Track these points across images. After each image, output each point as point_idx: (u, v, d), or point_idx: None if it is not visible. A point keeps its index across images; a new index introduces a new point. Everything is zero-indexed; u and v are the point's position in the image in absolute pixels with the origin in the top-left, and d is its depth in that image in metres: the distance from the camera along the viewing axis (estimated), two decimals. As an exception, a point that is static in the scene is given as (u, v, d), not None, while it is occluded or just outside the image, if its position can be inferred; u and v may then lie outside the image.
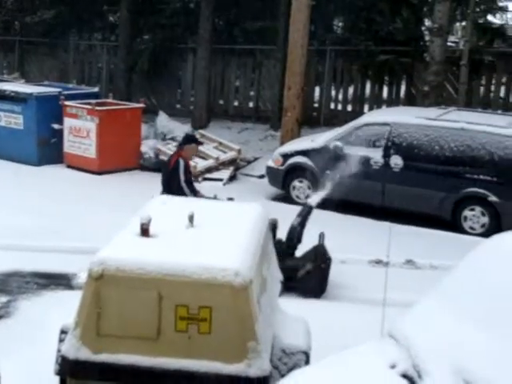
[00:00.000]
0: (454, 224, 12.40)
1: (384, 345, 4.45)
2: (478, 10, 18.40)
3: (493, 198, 12.13)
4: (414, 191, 12.62)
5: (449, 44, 18.18)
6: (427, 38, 18.16)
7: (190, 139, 10.22)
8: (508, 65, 17.77)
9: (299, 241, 9.50)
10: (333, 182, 9.83)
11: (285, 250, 9.39)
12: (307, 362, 5.66)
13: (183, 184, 9.55)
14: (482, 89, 18.50)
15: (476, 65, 17.40)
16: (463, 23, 19.28)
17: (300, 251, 9.56)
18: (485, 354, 3.85)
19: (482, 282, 4.31)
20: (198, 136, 16.88)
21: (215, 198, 9.51)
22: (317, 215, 11.01)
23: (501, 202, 12.06)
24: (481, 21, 19.04)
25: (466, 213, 12.40)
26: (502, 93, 18.22)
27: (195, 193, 9.75)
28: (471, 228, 12.31)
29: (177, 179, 9.55)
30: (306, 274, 9.16)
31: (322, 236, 9.54)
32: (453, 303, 4.35)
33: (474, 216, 12.36)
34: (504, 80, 18.20)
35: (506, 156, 12.15)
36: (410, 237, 11.35)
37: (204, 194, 9.90)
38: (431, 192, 12.52)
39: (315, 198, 9.70)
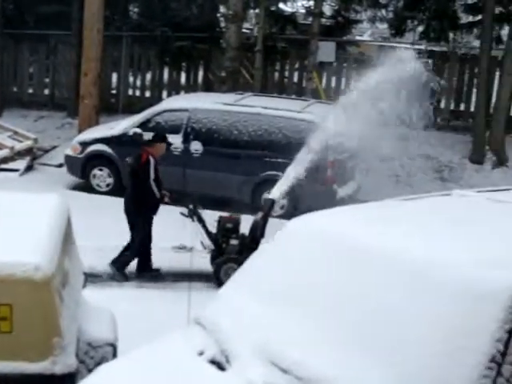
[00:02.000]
0: (254, 207, 12.67)
1: (191, 332, 4.45)
2: (270, -3, 18.86)
3: (290, 181, 12.49)
4: (214, 176, 12.77)
5: (244, 31, 18.52)
6: (223, 24, 18.39)
7: (161, 138, 10.13)
8: (300, 51, 18.36)
9: (262, 235, 9.40)
10: (295, 174, 9.76)
11: (248, 244, 9.29)
12: (115, 354, 5.57)
13: (152, 182, 9.52)
14: (276, 74, 19.00)
15: (270, 51, 17.85)
16: (257, 10, 19.66)
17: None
18: (290, 335, 3.95)
19: (286, 264, 4.42)
20: None
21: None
22: (115, 203, 10.93)
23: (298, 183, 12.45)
24: (273, 8, 19.53)
25: (265, 195, 12.69)
26: (296, 78, 18.81)
27: (161, 191, 9.72)
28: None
29: (146, 177, 9.49)
30: None
31: None
32: (257, 286, 4.43)
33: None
34: (297, 66, 18.80)
35: (301, 140, 12.54)
36: (212, 221, 11.46)
37: (167, 193, 9.84)
38: (231, 176, 12.73)
39: (277, 191, 9.60)
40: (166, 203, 9.81)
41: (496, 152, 15.82)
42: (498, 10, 17.02)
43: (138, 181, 9.65)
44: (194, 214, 9.58)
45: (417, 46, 18.05)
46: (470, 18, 18.79)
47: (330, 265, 4.17)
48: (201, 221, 9.60)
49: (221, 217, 9.81)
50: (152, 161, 9.63)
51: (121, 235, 10.29)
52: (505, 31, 17.67)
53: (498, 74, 16.70)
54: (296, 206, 12.30)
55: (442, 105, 17.80)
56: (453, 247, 3.96)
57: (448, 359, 3.43)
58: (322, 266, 4.20)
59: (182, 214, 9.58)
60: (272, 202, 9.68)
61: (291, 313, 4.08)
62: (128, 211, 9.70)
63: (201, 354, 4.13)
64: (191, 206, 9.62)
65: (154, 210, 9.74)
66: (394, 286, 3.82)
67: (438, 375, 3.42)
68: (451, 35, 19.64)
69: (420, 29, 18.68)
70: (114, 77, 19.58)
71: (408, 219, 4.60)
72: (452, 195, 5.38)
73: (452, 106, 17.96)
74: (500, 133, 15.89)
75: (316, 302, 4.06)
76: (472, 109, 17.25)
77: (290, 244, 4.54)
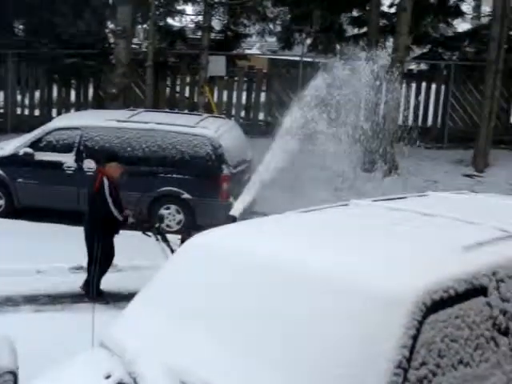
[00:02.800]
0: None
1: (96, 355, 4.36)
2: (158, 12, 18.79)
3: (186, 196, 12.46)
4: (109, 194, 12.57)
5: (133, 46, 18.41)
6: (112, 40, 18.22)
7: (112, 157, 9.81)
8: (191, 66, 18.38)
9: None
10: (254, 191, 9.51)
11: None
12: (15, 382, 5.40)
13: (111, 206, 9.14)
14: (167, 90, 18.95)
15: (161, 66, 17.80)
16: (145, 26, 19.57)
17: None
18: (198, 352, 3.93)
19: (190, 281, 4.40)
20: None
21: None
22: (6, 225, 10.62)
23: (194, 198, 12.44)
24: (161, 23, 19.48)
25: (162, 211, 12.63)
26: (187, 93, 18.81)
27: (122, 212, 9.32)
28: (168, 226, 12.56)
29: (104, 201, 9.11)
30: None
31: None
32: (163, 304, 4.38)
33: (170, 214, 12.63)
34: (188, 80, 18.81)
35: (196, 154, 12.55)
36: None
37: (129, 213, 9.44)
38: (126, 193, 12.53)
39: (238, 208, 9.35)
40: (132, 223, 9.46)
41: (386, 160, 16.23)
42: (382, 22, 17.53)
43: (95, 205, 9.29)
44: (159, 234, 9.34)
45: (305, 59, 18.40)
46: (356, 31, 19.28)
47: (234, 280, 4.17)
48: (165, 240, 9.38)
49: (183, 236, 9.62)
50: (106, 182, 9.24)
51: (14, 257, 10.03)
52: (389, 43, 18.19)
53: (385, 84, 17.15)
54: (192, 222, 12.32)
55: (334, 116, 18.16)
56: (356, 256, 4.02)
57: (356, 368, 3.47)
58: (226, 281, 4.20)
59: (145, 233, 9.33)
60: (233, 219, 9.59)
61: (198, 330, 4.06)
62: (88, 236, 9.31)
63: (107, 377, 4.05)
64: (157, 226, 9.43)
65: (116, 231, 9.48)
66: (300, 298, 3.85)
67: (347, 384, 3.46)
68: (338, 47, 20.11)
69: (308, 41, 18.99)
70: (1, 96, 19.08)
71: (309, 231, 4.66)
72: (350, 205, 5.47)
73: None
74: (389, 141, 16.30)
75: (222, 318, 4.05)
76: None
77: (192, 260, 4.51)
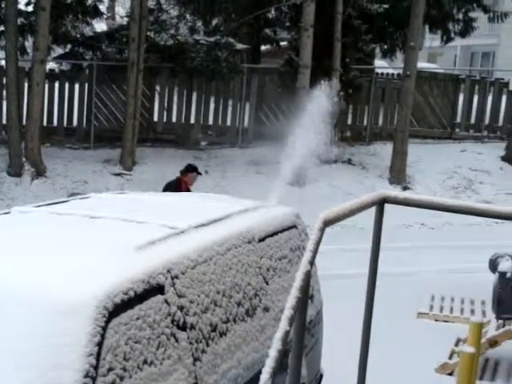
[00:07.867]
0: None
1: None
2: None
3: None
4: None
5: None
6: None
7: (193, 168, 11.47)
8: None
9: None
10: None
11: None
12: None
13: None
14: None
15: None
16: None
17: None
18: None
19: None
20: None
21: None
22: None
23: None
24: None
25: None
26: None
27: None
28: None
29: None
30: None
31: None
32: None
33: None
34: None
35: None
36: None
37: None
38: None
39: None
40: None
41: (33, 163, 15.87)
42: (20, 21, 17.08)
43: None
44: None
45: None
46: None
47: None
48: None
49: None
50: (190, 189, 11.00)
51: None
52: (29, 42, 17.82)
53: (26, 84, 16.76)
54: None
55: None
56: (29, 267, 3.83)
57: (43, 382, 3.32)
58: None
59: None
60: None
61: None
62: None
63: None
64: None
65: None
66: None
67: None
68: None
69: None
70: None
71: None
72: (12, 213, 5.22)
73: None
74: (35, 143, 15.97)
75: None
76: (4, 121, 17.07)
77: None
